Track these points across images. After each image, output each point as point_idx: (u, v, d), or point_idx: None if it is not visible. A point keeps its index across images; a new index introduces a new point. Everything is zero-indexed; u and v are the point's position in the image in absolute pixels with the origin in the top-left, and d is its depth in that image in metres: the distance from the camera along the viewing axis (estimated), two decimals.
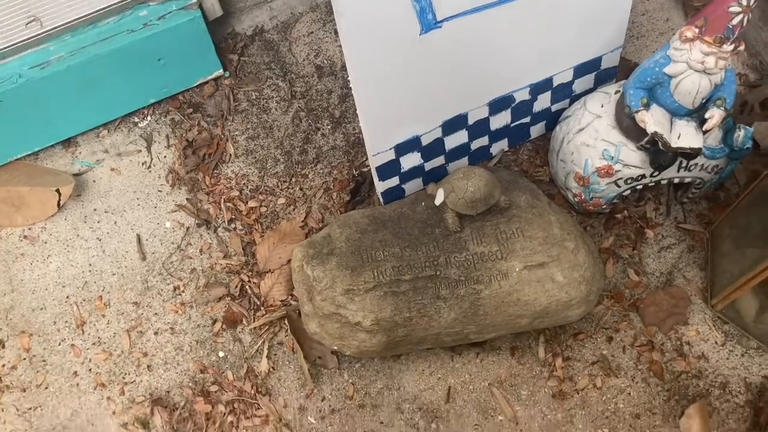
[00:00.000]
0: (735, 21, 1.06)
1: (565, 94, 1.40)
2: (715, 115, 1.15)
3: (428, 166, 1.39)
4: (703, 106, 1.17)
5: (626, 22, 1.32)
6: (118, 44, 1.41)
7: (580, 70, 1.37)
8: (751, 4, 1.05)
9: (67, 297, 1.42)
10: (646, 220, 1.41)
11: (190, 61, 1.51)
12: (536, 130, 1.48)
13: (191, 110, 1.56)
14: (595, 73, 1.39)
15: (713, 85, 1.14)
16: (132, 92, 1.52)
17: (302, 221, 1.44)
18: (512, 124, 1.42)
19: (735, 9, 1.05)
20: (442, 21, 1.13)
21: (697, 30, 1.09)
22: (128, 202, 1.50)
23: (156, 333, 1.39)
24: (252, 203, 1.47)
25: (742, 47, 1.10)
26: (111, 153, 1.54)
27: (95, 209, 1.49)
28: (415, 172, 1.38)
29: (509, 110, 1.38)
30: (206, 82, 1.57)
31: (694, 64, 1.11)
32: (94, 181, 1.52)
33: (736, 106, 1.48)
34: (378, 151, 1.29)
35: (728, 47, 1.08)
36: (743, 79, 1.52)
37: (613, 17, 1.30)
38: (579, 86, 1.40)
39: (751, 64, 1.54)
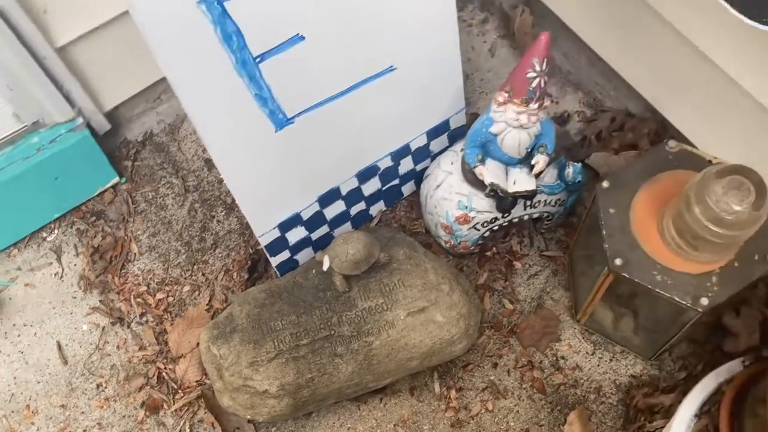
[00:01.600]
0: (534, 84, 1.24)
1: (425, 155, 1.56)
2: (540, 161, 1.33)
3: (314, 236, 1.53)
4: (530, 154, 1.36)
5: (462, 88, 1.49)
6: (15, 172, 1.52)
7: (432, 134, 1.53)
8: (544, 69, 1.23)
9: None
10: (513, 253, 1.59)
11: (86, 175, 1.63)
12: (407, 189, 1.63)
13: (94, 218, 1.68)
14: (446, 133, 1.55)
15: (533, 137, 1.33)
16: (36, 211, 1.63)
17: (207, 304, 1.57)
18: (384, 188, 1.58)
19: (531, 74, 1.23)
20: (293, 117, 1.27)
21: (506, 94, 1.27)
22: (45, 312, 1.60)
23: (85, 431, 1.48)
24: (160, 295, 1.59)
25: (547, 103, 1.29)
26: (24, 269, 1.65)
27: (14, 324, 1.59)
28: (303, 243, 1.52)
29: (377, 177, 1.53)
30: (105, 190, 1.70)
31: (512, 122, 1.29)
32: (10, 299, 1.62)
33: (577, 142, 1.69)
34: (263, 232, 1.42)
35: (534, 105, 1.27)
36: (581, 116, 1.74)
37: (449, 86, 1.47)
38: (435, 146, 1.56)
39: (587, 102, 1.76)
